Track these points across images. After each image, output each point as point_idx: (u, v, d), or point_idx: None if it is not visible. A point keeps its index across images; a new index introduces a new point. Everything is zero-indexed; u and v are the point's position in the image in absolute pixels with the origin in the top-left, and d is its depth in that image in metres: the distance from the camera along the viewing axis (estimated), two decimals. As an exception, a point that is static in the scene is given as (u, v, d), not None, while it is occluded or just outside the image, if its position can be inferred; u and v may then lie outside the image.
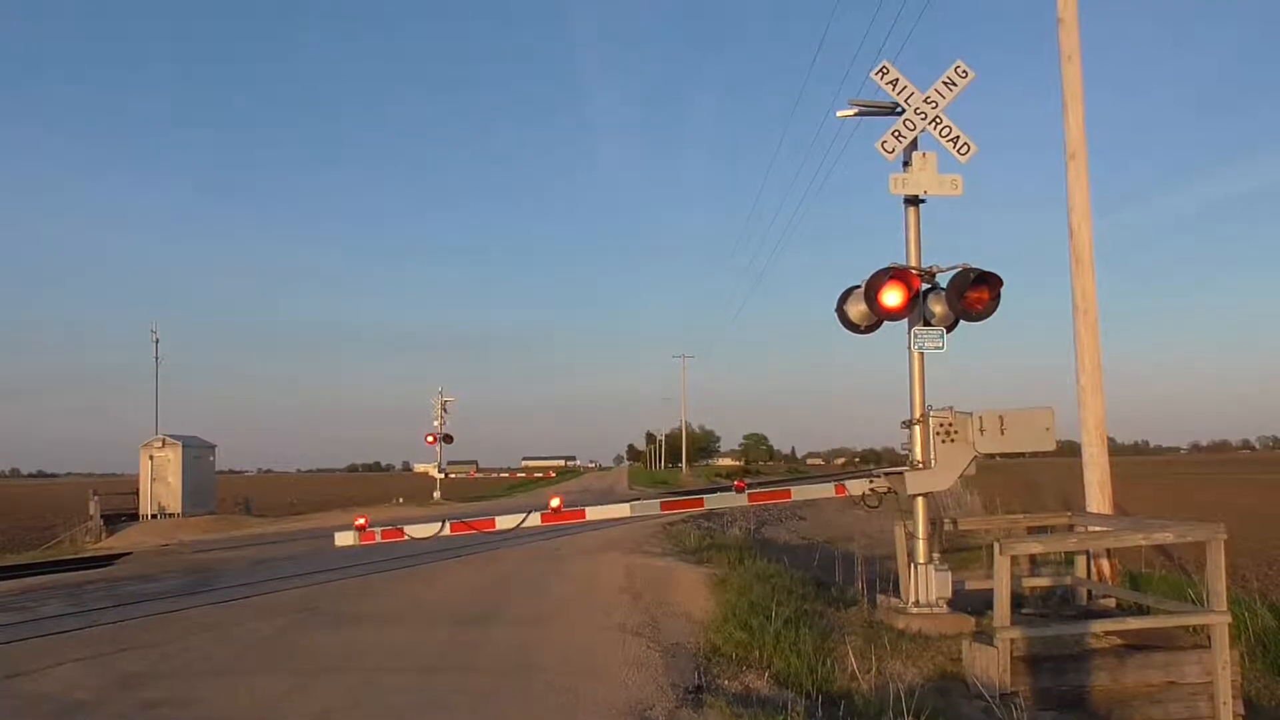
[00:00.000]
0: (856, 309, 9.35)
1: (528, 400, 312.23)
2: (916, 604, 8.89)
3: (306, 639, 8.68)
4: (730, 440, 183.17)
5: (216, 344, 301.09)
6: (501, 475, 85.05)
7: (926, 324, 9.02)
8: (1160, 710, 7.26)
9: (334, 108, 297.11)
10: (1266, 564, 14.18)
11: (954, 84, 9.22)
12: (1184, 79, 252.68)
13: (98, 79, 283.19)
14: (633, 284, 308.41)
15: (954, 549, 12.20)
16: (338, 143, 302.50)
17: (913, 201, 9.27)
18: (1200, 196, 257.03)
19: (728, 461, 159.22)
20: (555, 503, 9.95)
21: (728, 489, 10.73)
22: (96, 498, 28.04)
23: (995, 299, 8.72)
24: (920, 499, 9.02)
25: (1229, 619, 7.14)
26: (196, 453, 31.47)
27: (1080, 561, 9.50)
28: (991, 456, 9.20)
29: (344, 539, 10.07)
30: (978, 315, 8.76)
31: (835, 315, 9.66)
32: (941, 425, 8.88)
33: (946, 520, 10.20)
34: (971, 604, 8.94)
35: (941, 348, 8.98)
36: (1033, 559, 10.00)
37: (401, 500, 42.87)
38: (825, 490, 10.41)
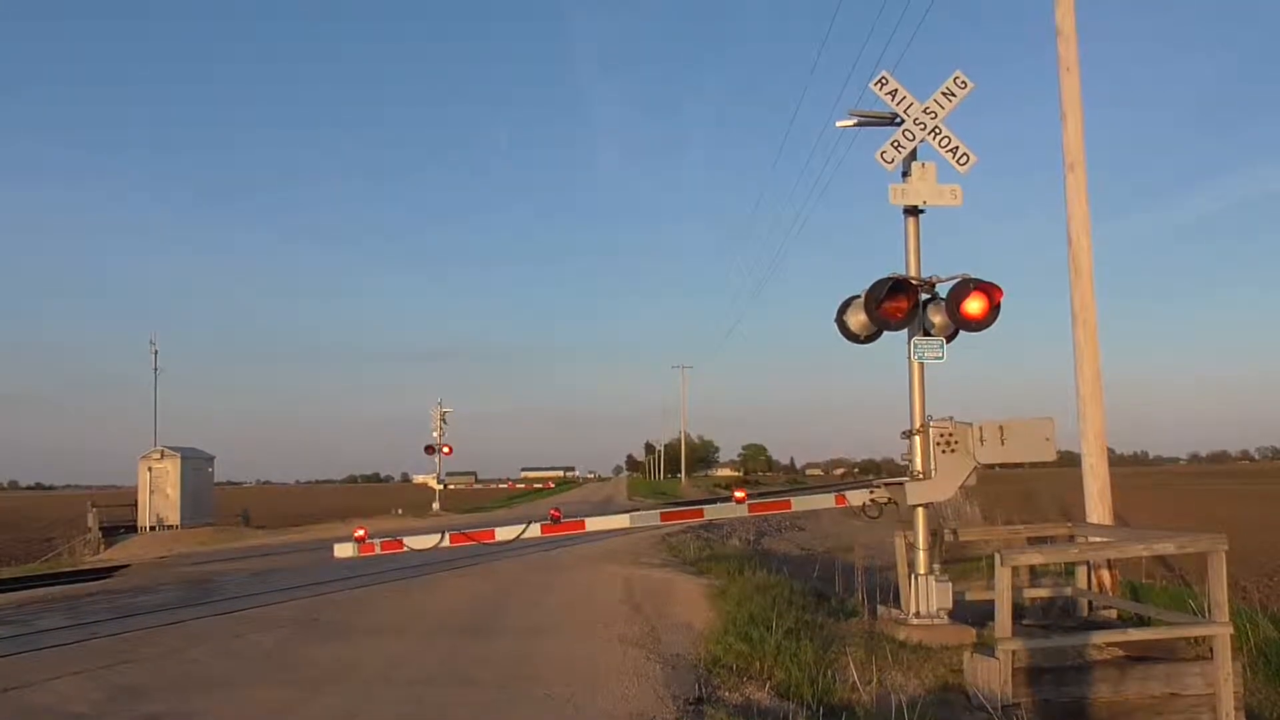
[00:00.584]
0: (856, 319, 9.36)
1: (527, 411, 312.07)
2: (917, 615, 8.88)
3: (306, 650, 8.66)
4: (729, 450, 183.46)
5: (215, 355, 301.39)
6: (500, 486, 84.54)
7: (926, 334, 9.03)
8: (1162, 722, 7.23)
9: (333, 116, 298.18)
10: (1267, 575, 14.17)
11: (953, 95, 9.25)
12: (1183, 89, 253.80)
13: (95, 87, 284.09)
14: (631, 294, 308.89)
15: (954, 560, 12.16)
16: (336, 153, 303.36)
17: (912, 212, 9.29)
18: (1200, 207, 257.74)
19: (727, 472, 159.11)
20: (554, 514, 9.96)
21: (727, 499, 10.72)
22: (95, 510, 28.02)
23: (995, 309, 8.73)
24: (920, 510, 9.02)
25: (1231, 630, 7.12)
26: (195, 464, 31.42)
27: (1081, 572, 9.48)
28: (991, 467, 9.21)
29: (343, 550, 10.07)
30: (978, 325, 8.77)
31: (835, 325, 9.67)
32: (942, 436, 8.88)
33: (947, 531, 10.16)
34: (972, 615, 8.92)
35: (941, 358, 8.99)
36: (1032, 569, 9.98)
37: (401, 511, 42.65)
38: (825, 501, 10.40)
